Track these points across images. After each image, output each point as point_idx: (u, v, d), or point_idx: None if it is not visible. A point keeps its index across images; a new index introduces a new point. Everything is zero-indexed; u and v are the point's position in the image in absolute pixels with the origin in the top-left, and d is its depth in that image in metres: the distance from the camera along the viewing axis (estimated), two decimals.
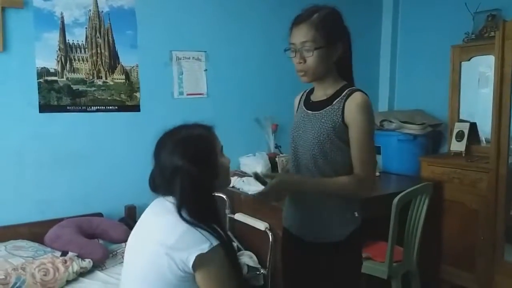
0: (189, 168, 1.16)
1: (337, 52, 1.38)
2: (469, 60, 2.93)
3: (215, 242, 1.10)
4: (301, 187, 1.41)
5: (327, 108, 1.39)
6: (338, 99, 1.38)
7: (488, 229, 2.59)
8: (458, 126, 2.94)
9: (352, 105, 1.35)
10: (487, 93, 2.86)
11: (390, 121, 3.09)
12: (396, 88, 3.54)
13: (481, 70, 3.03)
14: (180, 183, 1.16)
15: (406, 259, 2.35)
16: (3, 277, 1.68)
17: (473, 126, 2.91)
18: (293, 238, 1.52)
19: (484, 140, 2.94)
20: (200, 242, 1.08)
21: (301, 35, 1.35)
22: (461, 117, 3.01)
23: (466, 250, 2.71)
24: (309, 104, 1.48)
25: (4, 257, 1.84)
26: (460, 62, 2.95)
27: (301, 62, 1.37)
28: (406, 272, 2.40)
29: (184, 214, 1.12)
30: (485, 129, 2.84)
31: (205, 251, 1.07)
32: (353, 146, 1.37)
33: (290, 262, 1.59)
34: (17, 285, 1.66)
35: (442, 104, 3.11)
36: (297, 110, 1.56)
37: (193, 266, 1.07)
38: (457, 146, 2.91)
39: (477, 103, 3.11)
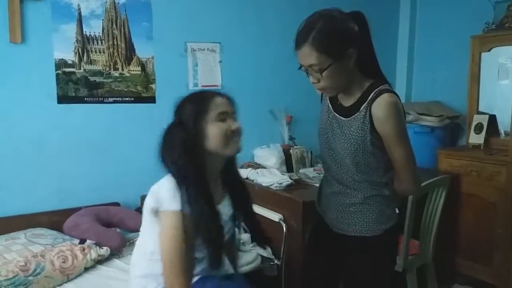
0: (173, 124, 1.30)
1: (351, 59, 1.28)
2: (489, 50, 2.86)
3: (175, 208, 1.22)
4: None
5: (355, 115, 1.33)
6: (365, 104, 1.31)
7: (505, 223, 2.54)
8: (476, 118, 2.89)
9: (378, 113, 1.28)
10: (507, 84, 2.80)
11: (407, 113, 3.04)
12: (414, 79, 3.49)
13: (501, 61, 2.97)
14: (162, 137, 1.30)
15: (422, 252, 2.33)
16: (24, 263, 1.72)
17: (492, 118, 2.86)
18: (325, 225, 1.50)
19: (503, 132, 2.89)
20: (167, 201, 1.23)
21: (305, 58, 1.28)
22: (480, 109, 2.95)
23: (483, 243, 2.68)
24: (337, 106, 1.40)
25: (24, 245, 1.89)
26: (480, 53, 2.89)
27: (315, 82, 1.32)
28: (421, 265, 2.38)
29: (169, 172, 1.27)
30: (505, 122, 2.79)
31: (165, 209, 1.23)
32: (391, 156, 1.34)
33: (317, 247, 1.58)
34: (37, 271, 1.70)
35: (460, 95, 3.06)
36: (322, 103, 1.50)
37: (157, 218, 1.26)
38: (476, 138, 2.86)
39: (497, 95, 3.05)
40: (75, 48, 2.26)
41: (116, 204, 2.37)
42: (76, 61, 2.27)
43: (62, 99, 2.24)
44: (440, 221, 2.37)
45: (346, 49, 1.26)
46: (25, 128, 2.17)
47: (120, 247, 2.02)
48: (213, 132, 1.27)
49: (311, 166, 2.82)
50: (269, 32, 2.88)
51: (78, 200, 2.27)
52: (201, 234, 1.25)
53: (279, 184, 2.36)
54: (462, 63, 3.02)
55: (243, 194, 1.47)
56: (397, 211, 1.43)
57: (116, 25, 2.37)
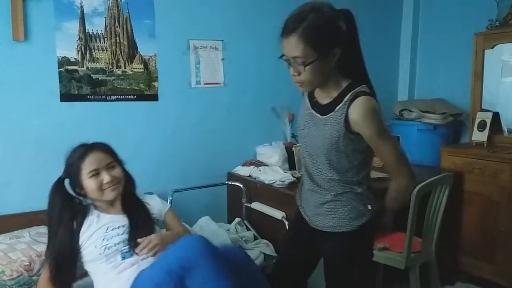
0: (60, 179, 1.65)
1: (334, 58, 1.29)
2: (492, 48, 2.85)
3: None
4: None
5: (331, 114, 1.35)
6: (340, 105, 1.32)
7: (508, 221, 2.54)
8: (480, 116, 2.88)
9: (355, 117, 1.29)
10: (511, 82, 2.79)
11: (410, 111, 3.04)
12: (417, 77, 3.48)
13: (504, 58, 2.96)
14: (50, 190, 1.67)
15: (425, 250, 2.33)
16: (28, 263, 1.72)
17: (495, 116, 2.85)
18: (303, 219, 1.54)
19: (506, 130, 2.88)
20: None
21: (291, 49, 1.26)
22: (483, 107, 2.94)
23: (485, 241, 2.67)
24: (314, 103, 1.44)
25: (28, 244, 1.88)
26: (483, 50, 2.88)
27: (295, 75, 1.31)
28: (424, 263, 2.38)
29: None
30: (508, 119, 2.79)
31: None
32: (379, 156, 1.38)
33: (294, 237, 1.63)
34: (41, 271, 1.70)
35: (464, 93, 3.05)
36: (303, 99, 1.54)
37: None
38: (479, 136, 2.85)
39: (500, 92, 3.04)
40: (77, 46, 2.26)
41: None
42: (79, 59, 2.27)
43: (65, 96, 2.24)
44: (443, 219, 2.36)
45: (332, 47, 1.26)
46: (27, 126, 2.17)
47: None
48: (88, 187, 1.57)
49: None
50: (272, 30, 2.85)
51: None
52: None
53: (282, 181, 2.36)
54: (465, 60, 3.02)
55: (142, 213, 1.69)
56: (369, 207, 1.45)
57: (119, 23, 2.37)
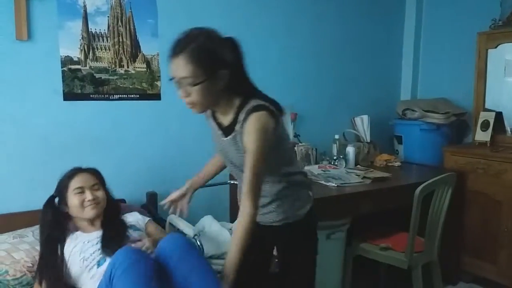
0: (51, 196, 1.80)
1: (223, 80, 1.33)
2: (495, 47, 2.85)
3: None
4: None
5: (233, 134, 1.39)
6: (238, 125, 1.37)
7: (511, 221, 2.53)
8: (483, 116, 2.88)
9: (245, 131, 1.32)
10: None
11: (413, 110, 3.04)
12: (419, 76, 3.47)
13: (508, 58, 2.95)
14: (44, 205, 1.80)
15: (428, 250, 2.33)
16: (31, 265, 1.73)
17: (498, 116, 2.85)
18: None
19: (509, 130, 2.88)
20: None
21: (179, 70, 1.30)
22: (486, 106, 2.94)
23: (488, 241, 2.67)
24: (219, 124, 1.47)
25: (31, 244, 1.87)
26: (487, 50, 2.88)
27: (184, 97, 1.34)
28: (427, 262, 2.38)
29: None
30: (511, 119, 2.77)
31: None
32: (246, 169, 1.33)
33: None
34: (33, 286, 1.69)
35: (467, 92, 3.04)
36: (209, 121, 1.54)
37: None
38: (482, 136, 2.84)
39: (503, 92, 3.03)
40: (80, 45, 2.27)
41: (122, 200, 2.38)
42: (82, 58, 2.27)
43: (68, 96, 2.24)
44: (445, 218, 2.36)
45: (219, 69, 1.31)
46: (31, 125, 2.18)
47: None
48: (71, 203, 1.72)
49: (316, 163, 2.82)
50: (275, 30, 2.87)
51: None
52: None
53: None
54: (468, 60, 3.01)
55: (118, 224, 1.80)
56: (310, 194, 1.56)
57: (122, 22, 2.37)
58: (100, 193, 1.78)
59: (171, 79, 1.34)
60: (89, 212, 1.73)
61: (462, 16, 3.13)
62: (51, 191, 2.14)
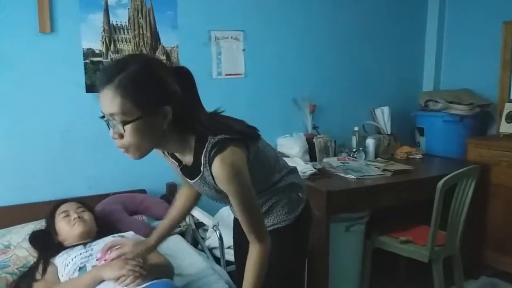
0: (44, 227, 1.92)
1: (166, 118, 1.06)
2: None
3: None
4: None
5: (200, 176, 1.18)
6: (202, 168, 1.15)
7: None
8: (508, 107, 2.81)
9: (218, 180, 1.13)
10: None
11: (436, 101, 2.98)
12: (443, 67, 3.39)
13: None
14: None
15: (449, 243, 2.30)
16: None
17: None
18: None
19: None
20: None
21: (106, 104, 1.02)
22: None
23: (511, 235, 2.61)
24: (179, 162, 1.24)
25: None
26: None
27: (116, 138, 1.06)
28: (448, 256, 2.34)
29: None
30: None
31: None
32: (235, 209, 1.21)
33: (242, 247, 1.46)
34: None
35: (491, 83, 2.96)
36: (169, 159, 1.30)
37: None
38: (507, 127, 2.77)
39: None
40: (102, 37, 2.29)
41: (143, 191, 2.42)
42: (104, 50, 2.30)
43: (90, 88, 2.28)
44: (468, 212, 2.32)
45: (160, 105, 1.05)
46: (54, 117, 2.23)
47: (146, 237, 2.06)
48: (60, 228, 1.79)
49: (335, 155, 2.80)
50: (293, 20, 2.84)
51: (106, 187, 2.32)
52: None
53: (303, 173, 2.35)
54: (493, 50, 2.93)
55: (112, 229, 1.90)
56: (300, 195, 1.43)
57: (142, 14, 2.39)
58: (86, 214, 1.84)
59: (101, 117, 1.08)
60: (77, 228, 1.76)
61: (487, 4, 3.04)
62: (74, 181, 2.21)
